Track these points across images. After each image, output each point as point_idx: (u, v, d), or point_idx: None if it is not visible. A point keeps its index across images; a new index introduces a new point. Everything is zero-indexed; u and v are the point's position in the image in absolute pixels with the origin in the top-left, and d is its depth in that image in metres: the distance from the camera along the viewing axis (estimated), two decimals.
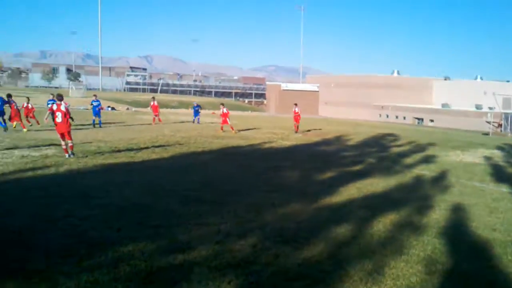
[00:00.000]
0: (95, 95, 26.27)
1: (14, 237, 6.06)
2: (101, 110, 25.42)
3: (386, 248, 6.36)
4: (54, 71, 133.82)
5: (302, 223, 7.48)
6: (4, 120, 20.09)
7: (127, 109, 48.65)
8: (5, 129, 19.83)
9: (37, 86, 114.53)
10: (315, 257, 5.90)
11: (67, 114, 13.22)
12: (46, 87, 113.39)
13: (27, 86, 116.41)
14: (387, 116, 62.61)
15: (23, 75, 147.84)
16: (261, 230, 6.99)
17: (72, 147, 13.39)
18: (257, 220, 7.52)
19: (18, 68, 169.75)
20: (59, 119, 13.13)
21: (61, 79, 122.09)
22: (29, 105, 23.14)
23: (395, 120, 59.49)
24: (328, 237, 6.77)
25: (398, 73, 79.65)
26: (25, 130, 20.07)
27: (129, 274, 5.08)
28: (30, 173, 10.53)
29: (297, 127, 26.08)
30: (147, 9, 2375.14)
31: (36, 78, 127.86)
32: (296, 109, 26.28)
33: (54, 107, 13.32)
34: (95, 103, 24.48)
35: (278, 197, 9.27)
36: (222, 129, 24.16)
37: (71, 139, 13.31)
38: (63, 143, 13.27)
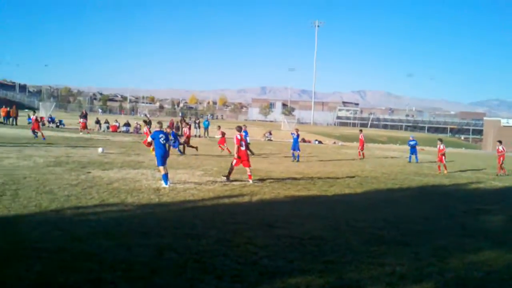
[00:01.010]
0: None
1: (195, 258, 6.61)
2: (309, 143, 26.12)
3: None
4: (271, 106, 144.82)
5: (491, 274, 6.52)
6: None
7: (334, 143, 49.60)
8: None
9: (254, 120, 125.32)
10: None
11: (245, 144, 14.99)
12: (262, 120, 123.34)
13: (246, 119, 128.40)
14: None
15: (244, 109, 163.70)
16: (441, 276, 6.30)
17: (250, 176, 14.58)
18: (439, 265, 6.81)
19: (240, 103, 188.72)
20: (243, 147, 14.69)
21: (276, 113, 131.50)
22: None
23: None
24: None
25: None
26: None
27: None
28: (226, 200, 11.43)
29: (501, 167, 22.90)
30: (362, 46, 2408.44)
31: (254, 112, 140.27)
32: (500, 147, 23.24)
33: (238, 137, 14.75)
34: (294, 136, 24.76)
35: (471, 243, 8.26)
36: (439, 168, 22.38)
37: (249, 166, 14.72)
38: (248, 170, 14.62)
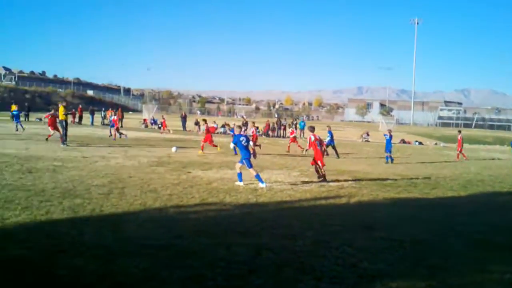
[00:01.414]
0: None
1: (293, 258, 6.57)
2: (409, 144, 25.11)
3: None
4: (368, 106, 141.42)
5: None
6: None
7: (435, 144, 47.26)
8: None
9: (351, 120, 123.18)
10: None
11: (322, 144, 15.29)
12: (359, 121, 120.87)
13: (342, 120, 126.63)
14: None
15: (340, 110, 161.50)
16: None
17: (325, 175, 14.52)
18: None
19: (336, 104, 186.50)
20: (319, 147, 14.86)
21: (373, 114, 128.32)
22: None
23: None
24: None
25: None
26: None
27: None
28: (323, 201, 11.28)
29: None
30: (465, 43, 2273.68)
31: (351, 113, 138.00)
32: None
33: (311, 137, 15.01)
34: (386, 137, 23.88)
35: None
36: None
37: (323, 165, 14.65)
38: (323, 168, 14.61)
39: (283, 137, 45.39)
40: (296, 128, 42.36)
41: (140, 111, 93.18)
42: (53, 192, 10.11)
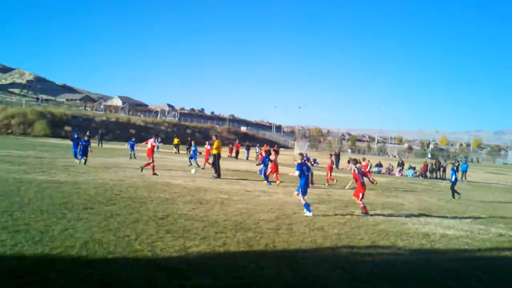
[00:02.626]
0: None
1: None
2: None
3: None
4: None
5: None
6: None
7: None
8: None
9: None
10: None
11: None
12: None
13: (504, 163, 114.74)
14: None
15: (502, 152, 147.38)
16: None
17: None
18: None
19: (497, 145, 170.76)
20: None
21: None
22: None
23: None
24: None
25: None
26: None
27: None
28: (507, 253, 10.01)
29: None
30: None
31: None
32: None
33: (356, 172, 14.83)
34: None
35: None
36: None
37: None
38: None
39: (443, 179, 42.45)
40: (457, 171, 39.45)
41: (291, 148, 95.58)
42: (225, 224, 10.41)
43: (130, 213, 10.88)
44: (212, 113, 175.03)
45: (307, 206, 13.00)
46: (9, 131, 62.76)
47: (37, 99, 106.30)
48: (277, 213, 12.72)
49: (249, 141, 72.89)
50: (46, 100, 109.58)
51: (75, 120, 75.04)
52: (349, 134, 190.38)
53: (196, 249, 7.85)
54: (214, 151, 23.00)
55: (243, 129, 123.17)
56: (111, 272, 6.25)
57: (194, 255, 7.48)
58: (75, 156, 24.76)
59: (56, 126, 69.50)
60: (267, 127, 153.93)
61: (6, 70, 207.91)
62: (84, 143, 23.98)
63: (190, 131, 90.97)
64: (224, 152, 51.74)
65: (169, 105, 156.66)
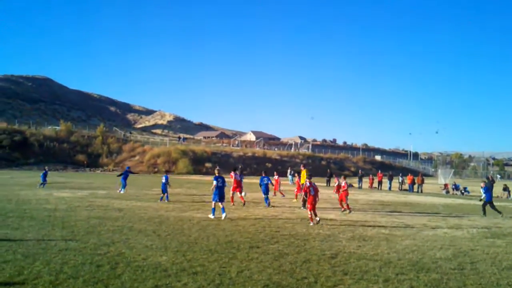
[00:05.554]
0: None
1: None
2: None
3: None
4: None
5: None
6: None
7: None
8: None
9: None
10: None
11: None
12: None
13: None
14: None
15: None
16: None
17: None
18: None
19: None
20: None
21: None
22: None
23: None
24: None
25: None
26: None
27: None
28: None
29: None
30: None
31: None
32: None
33: None
34: None
35: None
36: None
37: None
38: None
39: None
40: None
41: (430, 175, 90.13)
42: (402, 263, 9.66)
43: (297, 252, 10.66)
44: (344, 143, 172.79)
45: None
46: (156, 169, 67.76)
47: (179, 138, 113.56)
48: (452, 249, 11.59)
49: (386, 170, 70.17)
50: (186, 138, 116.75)
51: (214, 156, 78.77)
52: (493, 159, 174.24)
53: None
54: (302, 181, 22.52)
55: (378, 158, 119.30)
56: None
57: None
58: (163, 191, 22.79)
59: (198, 163, 73.46)
60: (403, 154, 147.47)
61: (149, 112, 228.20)
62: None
63: (325, 163, 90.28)
64: (365, 183, 50.50)
65: (300, 137, 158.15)
